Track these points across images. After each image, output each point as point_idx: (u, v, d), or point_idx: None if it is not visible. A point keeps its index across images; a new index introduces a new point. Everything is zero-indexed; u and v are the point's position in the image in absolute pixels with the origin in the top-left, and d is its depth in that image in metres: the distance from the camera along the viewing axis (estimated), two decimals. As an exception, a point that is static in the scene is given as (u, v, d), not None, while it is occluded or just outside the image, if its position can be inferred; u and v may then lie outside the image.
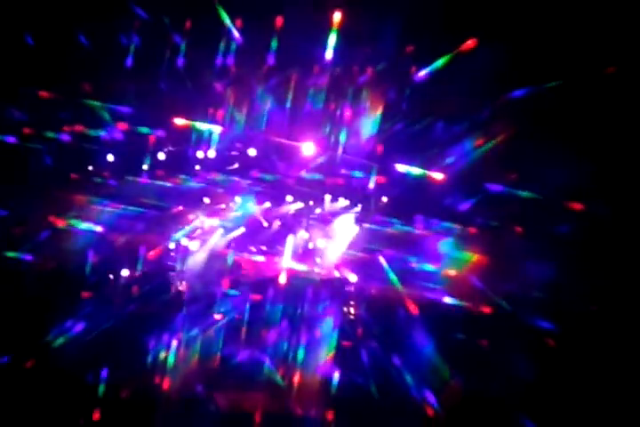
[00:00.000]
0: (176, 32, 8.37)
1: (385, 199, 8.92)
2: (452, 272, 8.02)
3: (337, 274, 8.93)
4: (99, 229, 8.76)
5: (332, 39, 7.77)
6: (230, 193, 9.25)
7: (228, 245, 9.28)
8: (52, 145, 8.83)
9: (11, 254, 8.22)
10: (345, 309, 8.69)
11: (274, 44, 8.06)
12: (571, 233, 6.99)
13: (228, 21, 8.10)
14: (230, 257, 9.05)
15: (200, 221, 9.20)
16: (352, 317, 8.66)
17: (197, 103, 8.84)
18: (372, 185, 8.66)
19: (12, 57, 8.17)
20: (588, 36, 6.45)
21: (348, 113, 8.42)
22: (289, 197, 9.24)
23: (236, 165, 9.19)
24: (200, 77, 8.68)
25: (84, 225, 8.76)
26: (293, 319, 8.38)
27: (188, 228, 9.14)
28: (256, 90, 8.61)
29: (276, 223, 9.48)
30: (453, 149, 7.87)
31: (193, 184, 9.27)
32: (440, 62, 7.53)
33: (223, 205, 9.30)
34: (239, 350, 7.93)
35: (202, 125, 8.74)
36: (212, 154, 8.96)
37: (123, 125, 8.90)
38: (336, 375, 7.44)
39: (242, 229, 9.39)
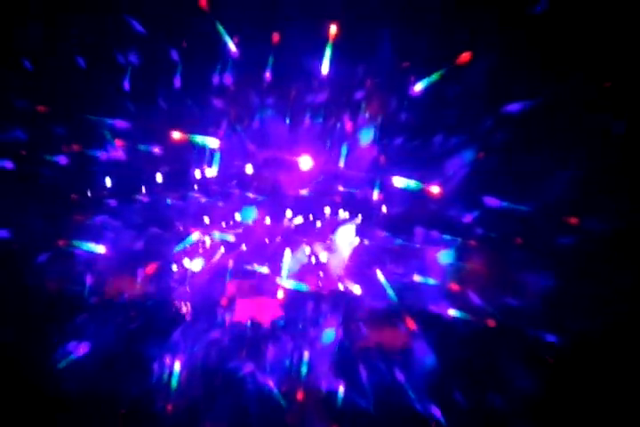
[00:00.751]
0: (174, 48, 8.41)
1: (385, 209, 8.89)
2: (454, 285, 8.00)
3: (340, 287, 8.89)
4: (100, 249, 8.75)
5: (329, 53, 7.80)
6: (230, 209, 9.23)
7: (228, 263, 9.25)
8: (50, 165, 8.84)
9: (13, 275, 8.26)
10: (348, 322, 8.64)
11: (271, 59, 8.09)
12: (570, 245, 6.97)
13: (226, 38, 8.14)
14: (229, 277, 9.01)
15: (201, 238, 9.17)
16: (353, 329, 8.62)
17: (196, 120, 8.85)
18: (372, 198, 8.64)
19: (9, 75, 8.23)
20: (586, 46, 6.46)
21: (346, 127, 8.43)
22: (289, 212, 9.22)
23: (235, 182, 9.19)
24: (199, 94, 8.71)
25: (85, 245, 8.74)
26: (295, 334, 8.35)
27: (187, 244, 9.10)
28: (255, 105, 8.63)
29: (277, 239, 9.46)
30: (452, 162, 7.87)
31: (192, 202, 9.25)
32: (437, 75, 7.54)
33: (223, 223, 9.28)
34: (241, 365, 7.91)
35: (201, 142, 8.73)
36: (211, 171, 8.96)
37: (122, 143, 8.91)
38: (340, 389, 7.41)
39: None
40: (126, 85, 8.58)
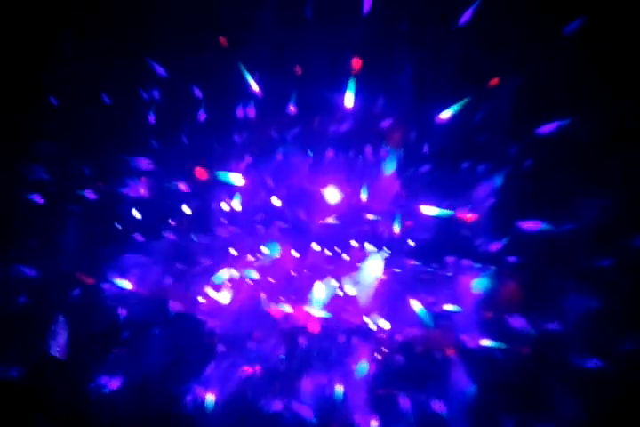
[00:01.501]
0: (195, 85, 8.55)
1: (412, 243, 8.82)
2: (488, 313, 7.89)
3: (368, 321, 8.79)
4: (128, 285, 8.78)
5: (352, 85, 7.88)
6: (256, 243, 9.22)
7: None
8: (76, 202, 8.95)
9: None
10: (377, 355, 8.53)
11: (293, 92, 8.19)
12: (610, 267, 6.88)
13: (248, 77, 8.26)
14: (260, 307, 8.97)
15: (228, 273, 9.14)
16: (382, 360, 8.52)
17: (220, 156, 8.92)
18: (397, 230, 8.61)
19: (34, 113, 8.40)
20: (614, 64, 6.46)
21: (370, 158, 8.45)
22: (315, 245, 9.18)
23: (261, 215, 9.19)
24: (221, 130, 8.80)
25: (114, 282, 8.78)
26: (326, 367, 8.28)
27: (218, 281, 9.08)
28: (277, 139, 8.70)
29: (304, 271, 9.40)
30: (481, 189, 7.83)
31: (219, 237, 9.26)
32: (462, 102, 7.57)
33: (250, 256, 9.25)
34: (273, 400, 7.87)
35: (225, 177, 8.79)
36: (236, 206, 9.00)
37: (146, 181, 9.00)
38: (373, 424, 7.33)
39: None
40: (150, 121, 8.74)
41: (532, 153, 7.34)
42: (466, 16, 7.15)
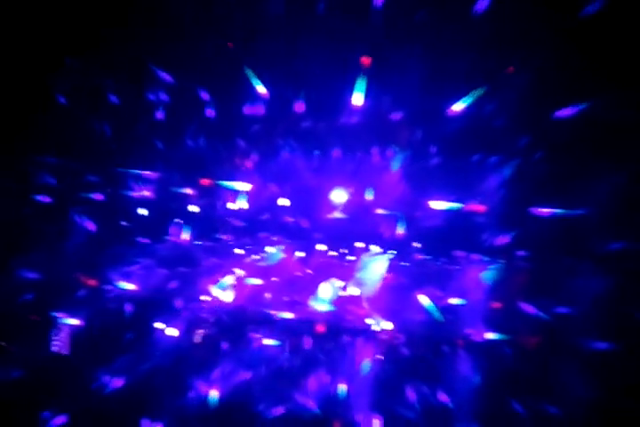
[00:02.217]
0: (202, 89, 8.61)
1: (418, 245, 8.82)
2: (497, 304, 7.86)
3: (373, 321, 8.76)
4: (132, 287, 8.76)
5: (361, 83, 7.93)
6: (261, 244, 9.22)
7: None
8: (80, 206, 8.96)
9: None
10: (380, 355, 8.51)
11: (300, 92, 8.26)
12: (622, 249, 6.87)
13: (255, 81, 8.34)
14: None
15: (233, 273, 9.11)
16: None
17: (225, 159, 8.96)
18: (402, 229, 8.61)
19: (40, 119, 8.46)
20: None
21: (378, 157, 8.48)
22: (320, 246, 9.18)
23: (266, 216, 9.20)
24: (226, 132, 8.85)
25: (118, 284, 8.77)
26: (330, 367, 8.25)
27: (222, 281, 9.05)
28: (283, 138, 8.74)
29: (309, 272, 9.38)
30: (491, 180, 7.82)
31: (224, 238, 9.26)
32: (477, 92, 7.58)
33: (256, 256, 9.24)
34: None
35: (230, 182, 8.84)
36: (244, 205, 9.01)
37: (151, 185, 9.03)
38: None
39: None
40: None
41: (543, 140, 7.34)
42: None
